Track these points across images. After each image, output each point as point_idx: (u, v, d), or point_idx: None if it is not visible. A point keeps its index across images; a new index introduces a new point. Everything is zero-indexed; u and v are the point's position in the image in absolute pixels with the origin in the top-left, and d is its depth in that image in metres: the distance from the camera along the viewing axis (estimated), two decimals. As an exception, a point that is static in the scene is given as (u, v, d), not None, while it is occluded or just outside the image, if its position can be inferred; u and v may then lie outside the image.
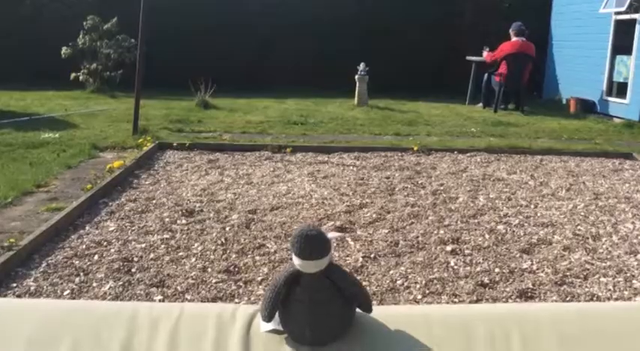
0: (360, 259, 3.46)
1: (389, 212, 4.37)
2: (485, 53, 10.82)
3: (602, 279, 3.28)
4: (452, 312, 1.57)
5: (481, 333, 1.36)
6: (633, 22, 9.51)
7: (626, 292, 3.11)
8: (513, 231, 4.04)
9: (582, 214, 4.49)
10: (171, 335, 1.35)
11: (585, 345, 1.34)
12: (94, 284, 3.07)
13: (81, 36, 11.19)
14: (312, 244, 1.33)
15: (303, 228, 1.36)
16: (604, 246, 3.80)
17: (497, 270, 3.35)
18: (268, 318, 1.37)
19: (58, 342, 1.32)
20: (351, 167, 5.83)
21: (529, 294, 3.05)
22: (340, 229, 3.98)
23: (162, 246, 3.62)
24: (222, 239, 3.75)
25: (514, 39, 10.27)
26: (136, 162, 5.63)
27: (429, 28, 12.53)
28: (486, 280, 3.21)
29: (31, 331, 1.36)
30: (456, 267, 3.38)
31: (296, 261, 1.35)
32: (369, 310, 1.41)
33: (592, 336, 1.37)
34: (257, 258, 3.47)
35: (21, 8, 12.26)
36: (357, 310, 1.40)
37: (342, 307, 1.37)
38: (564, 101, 11.19)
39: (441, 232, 3.97)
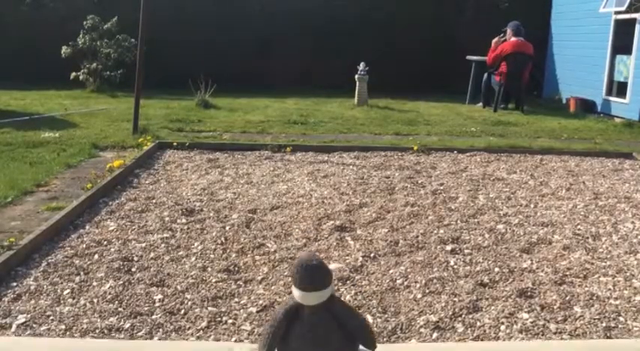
0: (360, 258, 3.47)
1: (389, 212, 4.38)
2: (493, 43, 10.67)
3: (601, 278, 3.28)
4: (460, 350, 1.52)
5: None
6: (633, 21, 9.51)
7: (625, 292, 3.11)
8: (513, 230, 4.05)
9: (582, 213, 4.49)
10: None
11: None
12: (94, 283, 3.08)
13: (81, 36, 11.20)
14: (313, 274, 1.26)
15: (303, 258, 1.30)
16: (604, 245, 3.80)
17: (497, 269, 3.35)
18: None
19: None
20: (351, 167, 5.83)
21: (529, 293, 3.05)
22: (340, 228, 3.98)
23: (163, 245, 3.62)
24: (222, 238, 3.75)
25: (513, 39, 10.27)
26: (136, 161, 5.63)
27: (429, 28, 12.53)
28: (486, 280, 3.21)
29: None
30: (455, 266, 3.39)
31: (296, 293, 1.29)
32: (372, 346, 1.34)
33: None
34: (257, 257, 3.47)
35: (21, 8, 12.26)
36: (361, 347, 1.35)
37: (344, 343, 1.29)
38: (564, 101, 11.20)
39: (441, 231, 3.97)
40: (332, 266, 1.32)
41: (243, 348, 1.44)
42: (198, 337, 2.58)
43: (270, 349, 1.30)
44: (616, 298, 3.03)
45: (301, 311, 1.28)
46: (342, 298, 2.90)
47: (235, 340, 2.55)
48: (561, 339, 2.62)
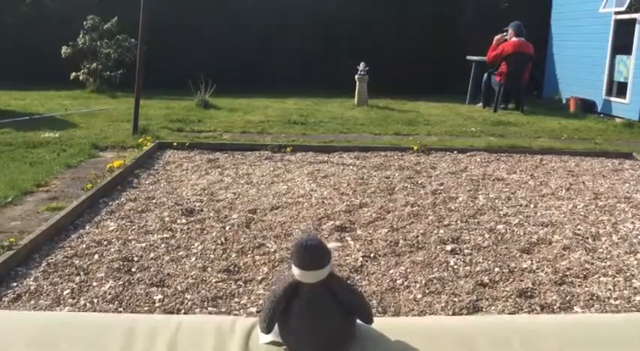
0: (360, 258, 3.47)
1: (389, 212, 4.38)
2: (495, 41, 10.64)
3: (601, 278, 3.28)
4: (452, 324, 1.56)
5: (482, 345, 1.36)
6: (633, 21, 9.51)
7: (625, 292, 3.11)
8: (513, 230, 4.05)
9: (582, 213, 4.49)
10: (169, 347, 1.34)
11: None
12: (94, 283, 3.08)
13: (81, 36, 11.20)
14: (312, 254, 1.30)
15: (303, 238, 1.33)
16: (604, 246, 3.80)
17: (497, 269, 3.35)
18: (267, 330, 1.35)
19: None
20: (351, 167, 5.83)
21: (529, 293, 3.05)
22: (340, 228, 3.98)
23: (163, 245, 3.62)
24: (222, 239, 3.75)
25: (513, 39, 10.27)
26: (136, 161, 5.63)
27: (429, 28, 12.53)
28: (486, 280, 3.21)
29: (28, 344, 1.35)
30: (455, 266, 3.39)
31: (295, 271, 1.32)
32: (369, 321, 1.38)
33: (594, 347, 1.37)
34: (257, 257, 3.47)
35: (21, 8, 12.26)
36: (358, 321, 1.38)
37: (342, 318, 1.34)
38: (564, 101, 11.20)
39: (441, 231, 3.97)
40: (331, 245, 1.37)
41: (247, 321, 1.47)
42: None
43: (270, 324, 1.34)
44: (616, 298, 3.03)
45: (300, 288, 1.32)
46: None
47: (235, 340, 2.55)
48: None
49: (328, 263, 1.32)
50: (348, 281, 3.11)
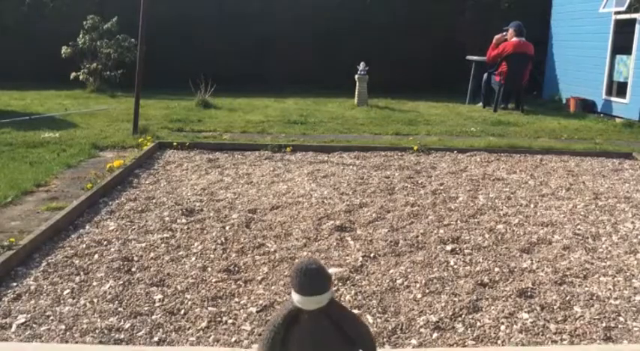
0: (360, 258, 3.47)
1: (389, 212, 4.38)
2: (495, 39, 10.63)
3: (601, 278, 3.28)
4: None
5: None
6: (633, 21, 9.51)
7: (625, 292, 3.11)
8: (513, 230, 4.05)
9: (582, 213, 4.49)
10: None
11: None
12: (94, 283, 3.08)
13: (81, 36, 11.21)
14: (312, 278, 1.26)
15: (303, 262, 1.28)
16: (604, 245, 3.81)
17: (497, 269, 3.35)
18: None
19: None
20: (351, 166, 5.83)
21: (529, 293, 3.05)
22: (340, 228, 3.98)
23: (163, 245, 3.62)
24: (222, 238, 3.75)
25: (513, 39, 10.28)
26: (136, 161, 5.63)
27: (429, 28, 12.53)
28: (486, 280, 3.21)
29: None
30: (455, 266, 3.39)
31: (295, 297, 1.27)
32: None
33: None
34: (257, 257, 3.47)
35: (21, 8, 12.26)
36: None
37: (344, 347, 1.29)
38: (564, 101, 11.20)
39: (441, 231, 3.97)
40: (331, 270, 1.31)
41: None
42: (198, 337, 2.58)
43: None
44: (616, 298, 3.03)
45: (300, 315, 1.27)
46: (342, 299, 2.91)
47: (235, 340, 2.55)
48: (561, 340, 2.62)
49: (329, 289, 1.28)
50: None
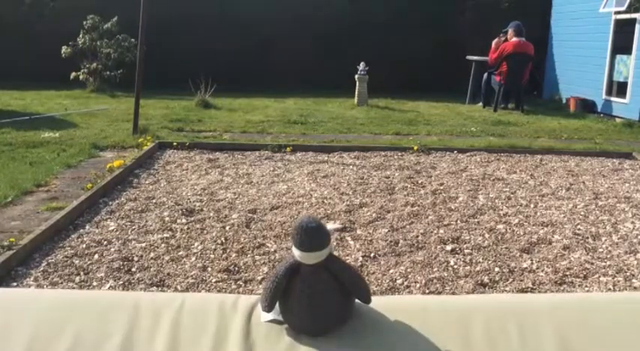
0: (360, 258, 3.47)
1: (389, 212, 4.38)
2: (494, 43, 10.66)
3: (601, 278, 3.28)
4: (450, 302, 1.59)
5: (478, 323, 1.37)
6: (633, 21, 9.51)
7: (625, 292, 3.11)
8: (513, 230, 4.05)
9: (582, 213, 4.49)
10: (172, 325, 1.37)
11: (581, 335, 1.35)
12: (94, 283, 3.08)
13: (81, 35, 11.21)
14: (312, 236, 1.34)
15: (303, 220, 1.37)
16: (604, 245, 3.81)
17: (497, 269, 3.35)
18: (268, 308, 1.38)
19: (60, 331, 1.34)
20: (351, 166, 5.83)
21: (529, 293, 3.05)
22: (340, 228, 3.98)
23: (163, 245, 3.62)
24: (222, 238, 3.75)
25: (513, 39, 10.28)
26: (136, 161, 5.63)
27: (429, 28, 12.53)
28: (486, 280, 3.21)
29: (34, 321, 1.37)
30: (455, 266, 3.39)
31: (296, 252, 1.36)
32: (367, 300, 1.42)
33: (589, 326, 1.38)
34: (257, 257, 3.47)
35: (21, 8, 12.26)
36: (356, 300, 1.41)
37: (341, 298, 1.38)
38: (564, 101, 11.20)
39: (441, 231, 3.97)
40: (329, 227, 1.42)
41: (249, 299, 1.49)
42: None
43: (271, 303, 1.38)
44: (616, 298, 3.03)
45: (301, 268, 1.36)
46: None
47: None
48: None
49: (328, 245, 1.37)
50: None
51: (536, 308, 1.44)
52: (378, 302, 1.43)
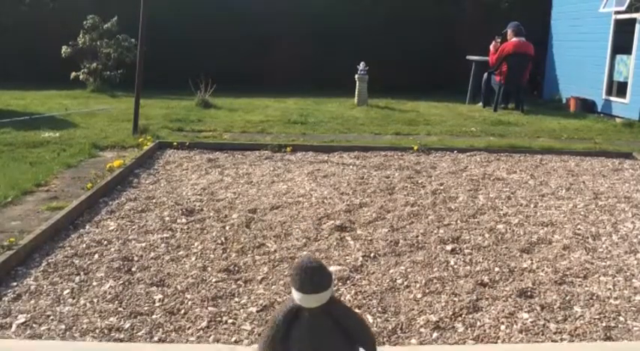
0: (360, 258, 3.47)
1: (389, 211, 4.37)
2: (492, 47, 10.71)
3: (601, 278, 3.28)
4: None
5: None
6: (633, 21, 9.51)
7: (625, 292, 3.11)
8: (513, 230, 4.05)
9: (582, 213, 4.49)
10: None
11: None
12: (94, 283, 3.08)
13: (81, 36, 11.21)
14: (313, 276, 1.26)
15: (303, 260, 1.28)
16: (604, 245, 3.80)
17: (497, 269, 3.35)
18: None
19: None
20: (351, 166, 5.83)
21: (529, 293, 3.05)
22: (340, 228, 3.98)
23: (163, 245, 3.62)
24: (222, 238, 3.75)
25: (513, 39, 10.28)
26: (136, 161, 5.63)
27: (429, 28, 12.53)
28: (486, 280, 3.21)
29: None
30: (455, 266, 3.39)
31: (296, 295, 1.28)
32: (372, 348, 1.33)
33: None
34: (257, 257, 3.47)
35: (21, 8, 12.26)
36: (360, 349, 1.34)
37: (344, 345, 1.28)
38: (564, 101, 11.20)
39: (441, 231, 3.97)
40: (332, 268, 1.32)
41: (246, 350, 1.44)
42: (198, 337, 2.58)
43: None
44: (616, 298, 3.03)
45: (301, 313, 1.27)
46: (342, 298, 2.91)
47: (235, 340, 2.55)
48: (561, 340, 2.62)
49: (329, 287, 1.28)
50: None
51: None
52: None
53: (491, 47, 10.68)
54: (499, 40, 10.62)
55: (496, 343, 2.58)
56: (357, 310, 2.81)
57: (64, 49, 11.08)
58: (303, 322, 1.27)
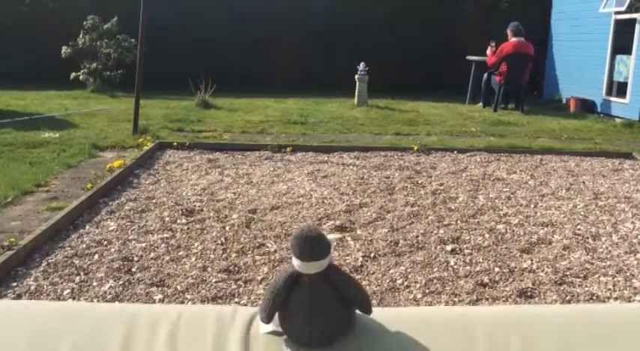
0: (360, 258, 3.47)
1: (389, 212, 4.38)
2: (490, 49, 10.76)
3: (601, 278, 3.28)
4: (452, 314, 1.57)
5: (481, 335, 1.36)
6: (633, 21, 9.51)
7: (625, 292, 3.11)
8: (513, 230, 4.05)
9: (582, 213, 4.49)
10: (170, 337, 1.35)
11: (585, 348, 1.34)
12: (94, 283, 3.08)
13: (81, 36, 11.20)
14: (312, 245, 1.31)
15: (303, 229, 1.34)
16: (604, 245, 3.81)
17: (497, 269, 3.35)
18: (267, 319, 1.36)
19: (57, 343, 1.32)
20: (351, 167, 5.83)
21: (529, 293, 3.05)
22: (340, 228, 3.98)
23: (163, 245, 3.62)
24: (222, 239, 3.75)
25: (513, 39, 10.28)
26: (136, 161, 5.63)
27: (429, 28, 12.53)
28: (486, 280, 3.21)
29: (30, 333, 1.36)
30: (455, 266, 3.39)
31: (295, 262, 1.33)
32: (368, 311, 1.40)
33: (592, 338, 1.37)
34: (257, 257, 3.48)
35: (21, 8, 12.26)
36: (357, 311, 1.40)
37: (342, 309, 1.36)
38: (564, 101, 11.20)
39: (441, 231, 3.97)
40: (331, 237, 1.37)
41: (248, 310, 1.48)
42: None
43: (270, 314, 1.36)
44: (616, 298, 3.03)
45: (300, 279, 1.33)
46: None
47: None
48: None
49: (328, 254, 1.34)
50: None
51: (539, 320, 1.43)
52: (379, 313, 1.42)
53: (488, 51, 10.72)
54: (493, 44, 10.69)
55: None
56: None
57: (64, 49, 11.07)
58: (303, 288, 1.33)
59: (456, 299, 2.96)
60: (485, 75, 10.70)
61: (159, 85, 10.36)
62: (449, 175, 5.61)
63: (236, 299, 2.94)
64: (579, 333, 1.38)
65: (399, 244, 3.71)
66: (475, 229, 4.06)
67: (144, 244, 3.63)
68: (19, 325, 1.39)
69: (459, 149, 6.67)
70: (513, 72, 10.18)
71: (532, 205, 4.68)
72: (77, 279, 3.12)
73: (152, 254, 3.48)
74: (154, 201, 4.54)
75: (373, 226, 4.07)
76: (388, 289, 3.08)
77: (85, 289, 3.02)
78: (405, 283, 3.15)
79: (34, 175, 5.09)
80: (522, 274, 3.31)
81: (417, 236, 3.85)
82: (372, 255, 3.53)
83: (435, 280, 3.17)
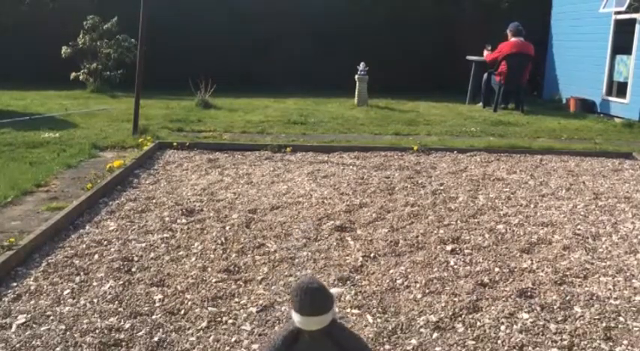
0: (360, 258, 3.47)
1: (389, 212, 4.37)
2: (486, 52, 10.82)
3: (601, 278, 3.28)
4: None
5: None
6: (633, 21, 9.51)
7: (625, 292, 3.11)
8: (513, 230, 4.05)
9: (582, 213, 4.49)
10: None
11: None
12: (94, 283, 3.08)
13: (81, 36, 11.21)
14: (313, 298, 1.21)
15: (304, 281, 1.23)
16: (604, 245, 3.81)
17: (497, 269, 3.35)
18: None
19: None
20: (351, 167, 5.83)
21: (529, 293, 3.05)
22: (340, 228, 3.98)
23: (163, 245, 3.62)
24: (222, 238, 3.75)
25: (513, 39, 10.28)
26: (136, 161, 5.63)
27: (429, 28, 12.53)
28: (486, 280, 3.21)
29: None
30: (455, 266, 3.39)
31: (296, 317, 1.23)
32: None
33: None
34: (257, 257, 3.47)
35: (21, 8, 12.26)
36: None
37: None
38: (564, 101, 11.20)
39: (441, 231, 3.97)
40: (333, 290, 1.27)
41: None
42: (198, 337, 2.58)
43: None
44: (616, 298, 3.03)
45: (301, 336, 1.22)
46: (342, 299, 2.91)
47: (235, 340, 2.55)
48: (561, 340, 2.62)
49: (330, 309, 1.22)
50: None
51: None
52: None
53: (485, 53, 10.75)
54: (489, 48, 10.71)
55: (496, 343, 2.58)
56: (356, 312, 2.82)
57: (64, 49, 11.08)
58: (303, 346, 1.22)
59: (455, 299, 2.96)
60: (485, 75, 10.71)
61: (159, 85, 10.37)
62: (449, 175, 5.61)
63: (236, 299, 2.94)
64: None
65: (399, 244, 3.71)
66: (475, 229, 4.06)
67: (144, 244, 3.63)
68: None
69: (459, 149, 6.67)
70: (513, 72, 10.18)
71: (532, 205, 4.68)
72: (77, 279, 3.12)
73: (152, 254, 3.48)
74: (153, 201, 4.53)
75: (373, 226, 4.07)
76: (388, 289, 3.08)
77: (85, 289, 3.02)
78: (405, 283, 3.15)
79: (34, 175, 5.09)
80: (522, 274, 3.31)
81: (417, 236, 3.85)
82: (372, 255, 3.53)
83: (434, 280, 3.17)
